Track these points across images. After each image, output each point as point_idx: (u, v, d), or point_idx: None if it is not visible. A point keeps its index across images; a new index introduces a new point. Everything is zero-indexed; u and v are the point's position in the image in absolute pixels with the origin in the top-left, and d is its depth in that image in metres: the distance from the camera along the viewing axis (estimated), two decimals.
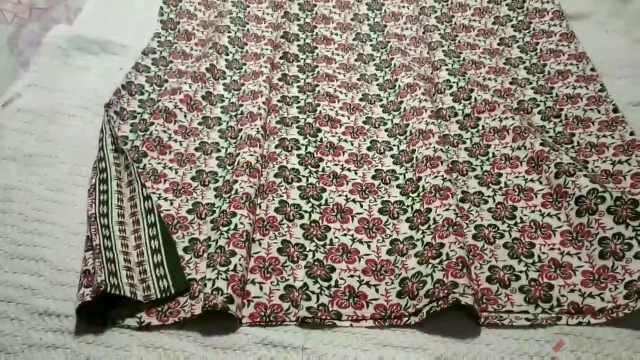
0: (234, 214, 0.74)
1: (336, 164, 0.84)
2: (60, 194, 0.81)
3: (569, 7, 1.10)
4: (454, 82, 0.95)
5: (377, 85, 0.99)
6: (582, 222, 0.72)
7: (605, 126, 0.86)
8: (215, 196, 0.80)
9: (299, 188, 0.81)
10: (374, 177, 0.83)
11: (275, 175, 0.81)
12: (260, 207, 0.77)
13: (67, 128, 0.91)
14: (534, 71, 0.98)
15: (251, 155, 0.83)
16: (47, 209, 0.78)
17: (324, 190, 0.81)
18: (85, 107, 0.94)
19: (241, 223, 0.73)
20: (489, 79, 0.98)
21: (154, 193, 0.80)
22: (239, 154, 0.84)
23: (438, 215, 0.73)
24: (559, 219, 0.74)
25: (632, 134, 0.83)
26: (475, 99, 0.92)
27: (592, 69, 0.96)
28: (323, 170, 0.83)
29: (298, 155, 0.85)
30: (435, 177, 0.78)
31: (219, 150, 0.87)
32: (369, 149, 0.87)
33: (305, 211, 0.78)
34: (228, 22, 1.10)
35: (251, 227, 0.74)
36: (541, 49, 1.02)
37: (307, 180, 0.82)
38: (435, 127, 0.86)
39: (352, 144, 0.88)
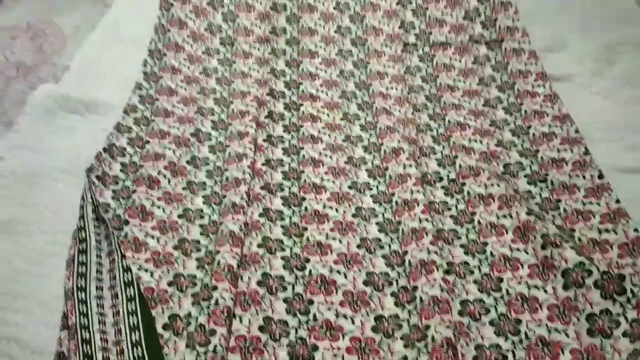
0: (215, 287, 0.72)
1: (320, 233, 0.83)
2: (38, 265, 0.79)
3: (553, 68, 1.11)
4: (438, 150, 0.95)
5: (362, 147, 0.98)
6: (569, 296, 0.71)
7: (591, 193, 0.85)
8: (197, 267, 0.79)
9: (282, 258, 0.79)
10: (358, 246, 0.81)
11: (259, 246, 0.80)
12: (242, 279, 0.76)
13: (49, 192, 0.89)
14: (519, 133, 0.98)
15: (234, 224, 0.82)
16: (23, 282, 0.76)
17: (307, 260, 0.79)
18: (67, 170, 0.93)
19: (222, 297, 0.71)
20: (475, 140, 0.97)
21: (134, 263, 0.78)
22: (222, 222, 0.83)
23: (424, 293, 0.72)
24: (545, 291, 0.73)
25: (617, 201, 0.83)
26: (460, 165, 0.91)
27: (576, 131, 0.96)
28: (307, 239, 0.82)
29: (282, 226, 0.84)
30: (421, 250, 0.77)
31: (202, 217, 0.86)
32: (354, 215, 0.86)
33: (289, 282, 0.76)
34: (214, 84, 1.10)
35: (232, 302, 0.72)
36: (525, 110, 1.02)
37: (291, 250, 0.81)
38: (421, 195, 0.85)
39: (337, 211, 0.87)
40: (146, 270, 0.78)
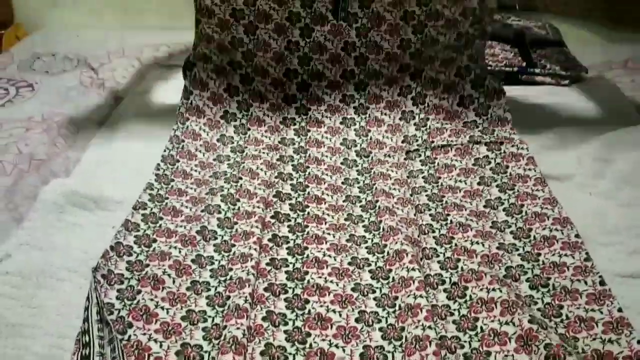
0: None
1: (323, 339, 0.83)
2: None
3: (552, 168, 1.13)
4: (440, 252, 0.96)
5: (366, 248, 1.00)
6: None
7: (593, 300, 0.86)
8: None
9: None
10: (361, 355, 0.81)
11: (262, 353, 0.80)
12: None
13: (55, 293, 0.90)
14: (520, 236, 0.99)
15: (238, 328, 0.82)
16: None
17: None
18: (74, 269, 0.94)
19: None
20: (476, 242, 0.99)
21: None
22: (225, 326, 0.83)
23: None
24: None
25: (620, 310, 0.83)
26: (462, 268, 0.92)
27: (577, 235, 0.97)
28: (310, 346, 0.82)
29: (285, 331, 0.84)
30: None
31: (205, 320, 0.86)
32: (357, 320, 0.87)
33: None
34: (222, 182, 1.13)
35: None
36: (526, 211, 1.04)
37: (294, 358, 0.80)
38: (424, 300, 0.86)
39: (340, 315, 0.87)
40: None
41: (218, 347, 0.80)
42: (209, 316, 0.87)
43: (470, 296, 0.88)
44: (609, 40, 1.91)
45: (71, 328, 0.84)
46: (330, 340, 0.83)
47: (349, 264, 0.96)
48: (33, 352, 0.81)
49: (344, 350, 0.82)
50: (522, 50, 1.63)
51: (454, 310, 0.87)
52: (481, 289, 0.88)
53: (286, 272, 0.94)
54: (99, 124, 1.41)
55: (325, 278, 0.93)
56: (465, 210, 1.06)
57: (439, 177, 1.14)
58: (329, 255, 0.97)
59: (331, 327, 0.85)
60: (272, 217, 1.05)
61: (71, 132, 1.37)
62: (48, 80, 1.64)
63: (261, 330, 0.83)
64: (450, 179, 1.13)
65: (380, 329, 0.85)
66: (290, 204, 1.09)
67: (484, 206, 1.06)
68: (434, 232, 1.01)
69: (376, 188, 1.11)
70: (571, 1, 1.89)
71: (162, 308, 0.87)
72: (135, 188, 1.14)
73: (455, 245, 0.98)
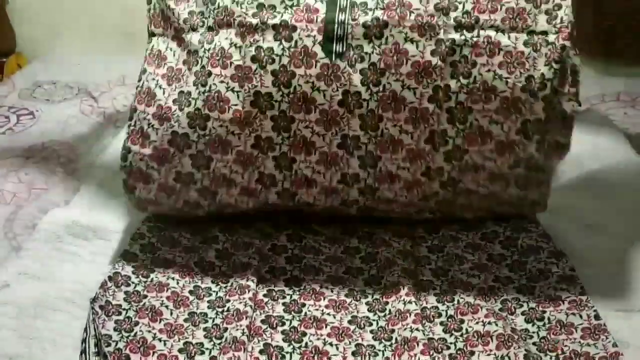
0: None
1: None
2: None
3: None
4: (437, 284, 0.97)
5: (363, 280, 1.00)
6: None
7: (588, 334, 0.86)
8: None
9: None
10: None
11: None
12: None
13: (52, 324, 0.90)
14: (516, 269, 1.00)
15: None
16: None
17: None
18: (72, 300, 0.94)
19: None
20: (473, 275, 0.99)
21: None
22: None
23: None
24: None
25: (615, 345, 0.84)
26: (459, 301, 0.93)
27: (572, 269, 0.98)
28: None
29: None
30: None
31: (202, 353, 0.86)
32: (353, 353, 0.86)
33: None
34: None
35: None
36: (522, 244, 1.05)
37: None
38: (420, 334, 0.86)
39: (337, 348, 0.87)
40: None
41: None
42: (207, 348, 0.87)
43: (467, 329, 0.88)
44: (602, 72, 1.94)
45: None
46: None
47: (346, 295, 0.97)
48: None
49: None
50: None
51: (450, 343, 0.87)
52: (477, 322, 0.89)
53: (283, 303, 0.95)
54: (99, 153, 1.42)
55: (322, 311, 0.93)
56: (462, 242, 1.06)
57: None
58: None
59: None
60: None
61: (71, 160, 1.39)
62: (49, 108, 1.66)
63: None
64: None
65: None
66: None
67: (480, 239, 1.07)
68: (429, 263, 1.01)
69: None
70: None
71: (160, 340, 0.87)
72: (135, 218, 1.15)
73: (452, 277, 0.98)
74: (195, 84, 0.97)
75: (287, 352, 0.86)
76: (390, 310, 0.92)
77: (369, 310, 0.94)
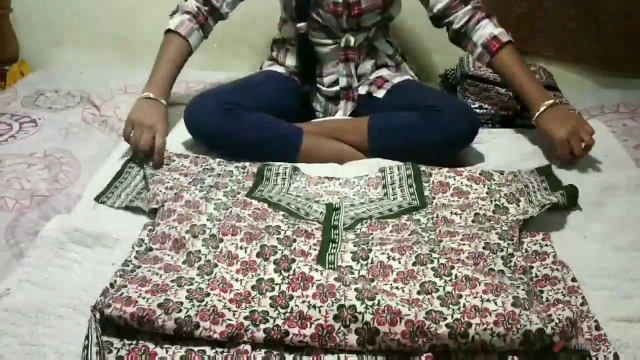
0: None
1: None
2: None
3: (547, 212, 1.14)
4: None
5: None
6: None
7: (589, 345, 0.86)
8: None
9: None
10: None
11: None
12: None
13: (53, 331, 0.90)
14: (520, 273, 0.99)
15: None
16: None
17: None
18: (73, 307, 0.94)
19: None
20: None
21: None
22: None
23: None
24: None
25: (616, 355, 0.84)
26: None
27: (573, 279, 0.99)
28: None
29: None
30: None
31: None
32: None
33: None
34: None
35: None
36: (526, 248, 1.06)
37: None
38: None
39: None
40: None
41: None
42: (208, 356, 0.87)
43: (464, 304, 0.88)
44: (601, 84, 1.96)
45: None
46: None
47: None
48: None
49: None
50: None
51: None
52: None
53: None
54: (101, 161, 1.42)
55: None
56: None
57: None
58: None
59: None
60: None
61: (73, 168, 1.39)
62: (51, 116, 1.66)
63: None
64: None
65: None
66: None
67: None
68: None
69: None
70: (563, 45, 1.94)
71: (162, 347, 0.87)
72: (136, 225, 1.15)
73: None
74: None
75: None
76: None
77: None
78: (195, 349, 0.88)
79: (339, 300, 0.88)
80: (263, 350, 0.86)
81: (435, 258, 0.97)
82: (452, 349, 0.84)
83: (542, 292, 0.97)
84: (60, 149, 1.47)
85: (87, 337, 0.86)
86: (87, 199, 1.25)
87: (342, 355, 0.86)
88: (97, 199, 1.24)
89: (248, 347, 0.86)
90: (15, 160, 1.42)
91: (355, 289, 0.89)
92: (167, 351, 0.87)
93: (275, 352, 0.86)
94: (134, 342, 0.87)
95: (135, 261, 1.04)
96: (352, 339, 0.85)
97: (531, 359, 0.84)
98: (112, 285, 0.97)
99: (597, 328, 0.89)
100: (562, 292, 0.96)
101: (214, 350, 0.87)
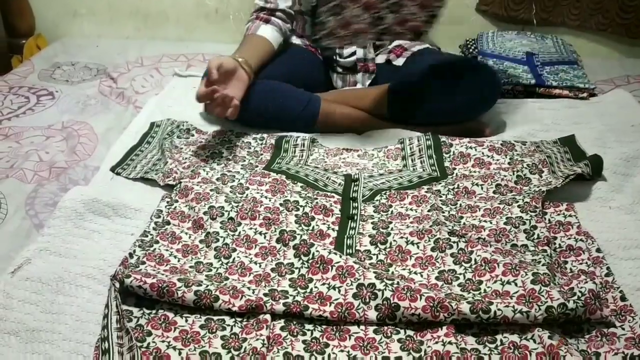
0: None
1: None
2: None
3: (571, 182, 1.12)
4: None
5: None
6: None
7: (614, 315, 0.85)
8: None
9: None
10: None
11: None
12: None
13: (74, 299, 0.91)
14: (544, 244, 0.97)
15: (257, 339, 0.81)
16: None
17: None
18: (93, 276, 0.95)
19: None
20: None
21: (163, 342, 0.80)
22: (245, 338, 0.83)
23: None
24: None
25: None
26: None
27: (598, 250, 0.96)
28: None
29: None
30: None
31: (224, 329, 0.86)
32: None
33: None
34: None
35: None
36: (550, 219, 1.04)
37: None
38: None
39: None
40: None
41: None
42: (228, 325, 0.86)
43: (502, 340, 0.83)
44: (626, 54, 1.91)
45: (90, 334, 0.84)
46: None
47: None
48: (52, 357, 0.81)
49: None
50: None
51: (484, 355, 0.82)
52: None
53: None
54: (118, 133, 1.42)
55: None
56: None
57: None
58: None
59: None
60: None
61: (91, 140, 1.39)
62: (68, 89, 1.66)
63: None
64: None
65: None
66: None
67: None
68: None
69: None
70: (588, 16, 1.89)
71: (182, 316, 0.87)
72: (154, 196, 1.15)
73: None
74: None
75: None
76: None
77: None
78: (215, 317, 0.88)
79: (359, 279, 0.88)
80: (282, 320, 0.86)
81: (454, 242, 0.96)
82: (475, 322, 0.83)
83: (566, 262, 0.95)
84: (77, 121, 1.47)
85: (107, 306, 0.86)
86: (104, 171, 1.25)
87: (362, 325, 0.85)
88: (112, 169, 1.24)
89: (268, 317, 0.85)
90: (34, 132, 1.42)
91: (374, 272, 0.88)
92: (186, 320, 0.87)
93: (294, 322, 0.86)
94: (154, 311, 0.88)
95: (153, 232, 1.04)
96: (372, 315, 0.85)
97: (555, 327, 0.83)
98: (131, 255, 0.97)
99: (623, 299, 0.87)
100: (586, 263, 0.95)
101: (233, 320, 0.87)
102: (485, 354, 0.81)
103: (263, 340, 0.81)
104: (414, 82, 1.37)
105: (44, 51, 1.97)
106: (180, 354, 0.81)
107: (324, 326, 0.86)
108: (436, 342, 0.81)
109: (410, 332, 0.84)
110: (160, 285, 0.87)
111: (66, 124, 1.46)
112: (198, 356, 0.81)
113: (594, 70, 1.66)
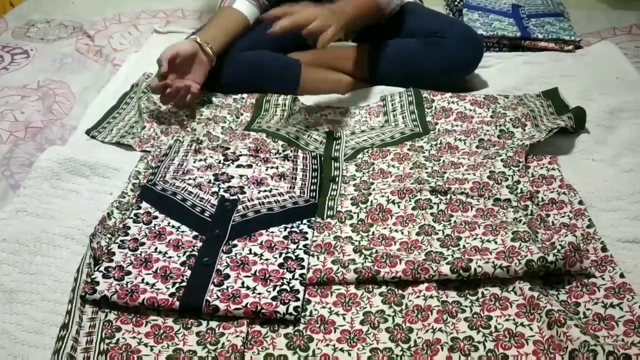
0: None
1: (327, 345, 0.77)
2: (38, 336, 0.78)
3: (554, 135, 1.11)
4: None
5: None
6: None
7: (595, 266, 0.85)
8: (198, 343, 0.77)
9: None
10: (362, 323, 0.80)
11: None
12: None
13: (52, 260, 0.89)
14: (527, 199, 0.96)
15: (237, 336, 0.77)
16: (22, 354, 0.75)
17: (311, 339, 0.78)
18: (71, 236, 0.93)
19: None
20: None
21: (134, 338, 0.77)
22: (223, 333, 0.78)
23: None
24: None
25: (622, 275, 0.82)
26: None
27: (580, 202, 0.96)
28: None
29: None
30: (427, 331, 0.76)
31: (200, 324, 0.80)
32: (361, 322, 0.81)
33: None
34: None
35: None
36: (533, 173, 1.03)
37: None
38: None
39: (344, 318, 0.81)
40: (146, 345, 0.76)
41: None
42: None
43: (483, 293, 0.84)
44: (613, 6, 1.88)
45: (67, 294, 0.83)
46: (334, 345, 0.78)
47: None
48: (31, 318, 0.80)
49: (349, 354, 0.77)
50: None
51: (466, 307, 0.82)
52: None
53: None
54: (96, 92, 1.38)
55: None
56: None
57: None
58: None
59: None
60: None
61: (68, 99, 1.36)
62: (43, 47, 1.62)
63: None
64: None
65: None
66: None
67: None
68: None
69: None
70: None
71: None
72: (132, 156, 1.13)
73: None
74: None
75: None
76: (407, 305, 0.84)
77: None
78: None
79: (337, 256, 0.87)
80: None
81: (435, 203, 0.96)
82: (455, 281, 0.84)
83: (548, 216, 0.95)
84: (54, 80, 1.44)
85: (78, 270, 0.84)
86: (82, 130, 1.22)
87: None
88: (88, 132, 1.21)
89: None
90: (8, 92, 1.38)
91: (352, 245, 0.89)
92: (159, 313, 0.81)
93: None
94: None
95: (131, 193, 1.02)
96: (351, 276, 0.84)
97: (535, 279, 0.83)
98: (109, 215, 0.96)
99: (604, 250, 0.87)
100: (568, 216, 0.94)
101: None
102: (466, 306, 0.81)
103: (243, 337, 0.76)
104: (395, 44, 1.34)
105: (18, 8, 1.91)
106: (152, 350, 0.76)
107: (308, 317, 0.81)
108: (417, 297, 0.81)
109: (392, 287, 0.84)
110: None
111: (42, 83, 1.43)
112: (171, 353, 0.76)
113: (580, 22, 1.63)
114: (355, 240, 0.92)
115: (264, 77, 1.34)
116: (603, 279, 0.83)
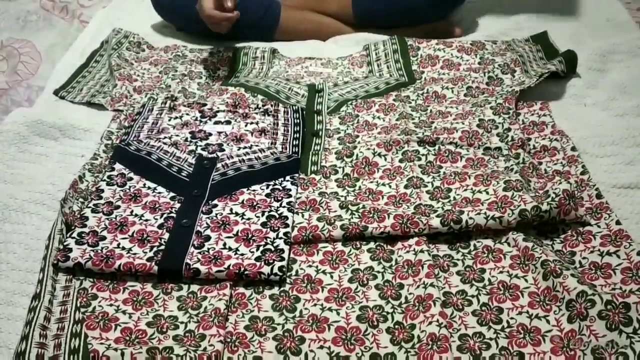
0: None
1: (315, 304, 0.74)
2: (9, 307, 0.74)
3: (544, 81, 1.07)
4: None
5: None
6: (574, 329, 0.67)
7: (590, 214, 0.82)
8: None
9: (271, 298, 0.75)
10: (350, 280, 0.77)
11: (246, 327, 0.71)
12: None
13: (22, 227, 0.85)
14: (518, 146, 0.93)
15: (220, 299, 0.73)
16: None
17: (298, 299, 0.75)
18: (42, 202, 0.89)
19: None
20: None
21: (111, 305, 0.73)
22: (205, 297, 0.74)
23: (422, 331, 0.67)
24: (548, 322, 0.70)
25: (618, 222, 0.80)
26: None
27: (573, 148, 0.93)
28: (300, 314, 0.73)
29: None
30: (418, 286, 0.73)
31: (180, 288, 0.76)
32: (350, 280, 0.77)
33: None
34: None
35: None
36: (523, 120, 1.00)
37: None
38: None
39: (331, 277, 0.78)
40: (124, 312, 0.73)
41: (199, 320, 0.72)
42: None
43: (476, 245, 0.80)
44: None
45: (38, 263, 0.79)
46: (322, 304, 0.74)
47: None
48: (1, 289, 0.76)
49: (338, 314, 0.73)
50: None
51: (458, 260, 0.79)
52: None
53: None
54: (63, 50, 1.32)
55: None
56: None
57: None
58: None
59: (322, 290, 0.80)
60: None
61: (33, 59, 1.29)
62: (6, 5, 1.54)
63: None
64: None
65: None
66: None
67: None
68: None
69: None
70: None
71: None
72: (104, 116, 1.07)
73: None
74: None
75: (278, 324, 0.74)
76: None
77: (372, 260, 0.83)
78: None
79: (323, 212, 0.84)
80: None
81: (422, 155, 0.93)
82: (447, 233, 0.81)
83: (540, 163, 0.92)
84: (18, 39, 1.38)
85: (49, 238, 0.80)
86: (49, 91, 1.16)
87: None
88: (56, 92, 1.15)
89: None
90: None
91: (339, 202, 0.85)
92: (137, 279, 0.77)
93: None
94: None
95: (103, 155, 0.97)
96: (338, 234, 0.81)
97: (529, 229, 0.80)
98: (80, 178, 0.91)
99: (598, 196, 0.84)
100: (561, 163, 0.91)
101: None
102: (458, 260, 0.78)
103: (226, 300, 0.73)
104: None
105: None
106: (131, 317, 0.72)
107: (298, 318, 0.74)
108: (407, 251, 0.78)
109: (380, 242, 0.81)
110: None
111: (6, 42, 1.36)
112: (151, 319, 0.72)
113: None
114: (341, 196, 0.88)
115: (242, 13, 1.25)
116: (599, 226, 0.80)
